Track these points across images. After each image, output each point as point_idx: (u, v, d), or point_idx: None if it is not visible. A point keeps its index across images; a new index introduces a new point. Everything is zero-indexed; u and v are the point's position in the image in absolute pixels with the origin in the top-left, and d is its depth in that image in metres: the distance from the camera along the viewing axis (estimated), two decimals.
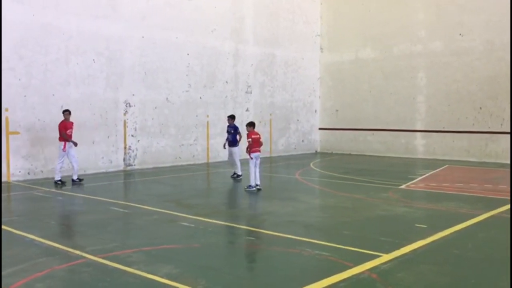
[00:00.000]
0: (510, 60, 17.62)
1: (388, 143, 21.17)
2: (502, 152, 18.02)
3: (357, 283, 5.26)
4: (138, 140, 16.10)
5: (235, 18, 19.17)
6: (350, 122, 22.32)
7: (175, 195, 11.43)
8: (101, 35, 14.88)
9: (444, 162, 18.25)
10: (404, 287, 5.19)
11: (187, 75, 17.44)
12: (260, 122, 19.49)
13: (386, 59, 21.07)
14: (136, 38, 15.80)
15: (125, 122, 15.68)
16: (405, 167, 16.99)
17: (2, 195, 11.16)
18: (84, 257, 6.15)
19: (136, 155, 16.05)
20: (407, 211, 9.26)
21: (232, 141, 13.54)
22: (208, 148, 18.29)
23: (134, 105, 15.90)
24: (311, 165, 17.73)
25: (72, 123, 12.72)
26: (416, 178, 13.97)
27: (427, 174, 14.84)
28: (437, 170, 15.96)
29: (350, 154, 21.84)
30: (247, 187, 11.71)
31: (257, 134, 11.91)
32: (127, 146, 15.80)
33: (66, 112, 12.60)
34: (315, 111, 23.32)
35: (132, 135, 15.93)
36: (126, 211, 9.35)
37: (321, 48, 23.23)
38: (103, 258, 6.10)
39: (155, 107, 16.52)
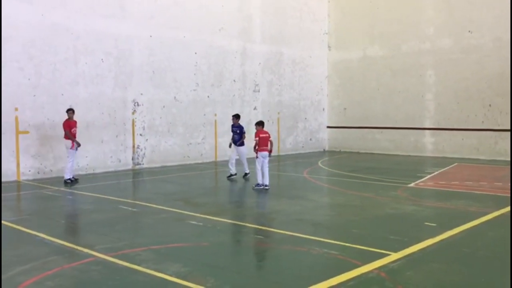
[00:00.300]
0: None
1: (396, 141, 21.07)
2: None
3: (366, 282, 5.24)
4: (147, 139, 16.16)
5: (242, 16, 19.16)
6: (359, 120, 22.23)
7: (183, 193, 11.46)
8: (109, 35, 14.95)
9: (453, 160, 18.13)
10: (413, 285, 5.16)
11: (195, 74, 17.47)
12: (268, 120, 19.45)
13: (394, 57, 20.96)
14: (144, 38, 15.85)
15: (133, 121, 15.75)
16: (414, 165, 16.90)
17: (12, 194, 11.27)
18: (94, 256, 6.19)
19: (144, 154, 16.11)
20: (416, 209, 9.22)
21: (238, 141, 13.48)
22: (216, 147, 18.32)
23: (142, 104, 15.95)
24: (319, 163, 17.69)
25: (75, 122, 12.75)
26: (425, 176, 13.89)
27: (436, 172, 14.75)
28: (446, 168, 15.86)
29: (358, 152, 21.77)
30: (255, 186, 11.71)
31: (265, 133, 11.83)
32: (136, 145, 15.87)
33: (70, 111, 12.63)
34: (323, 109, 23.27)
35: (141, 134, 15.99)
36: (135, 209, 9.39)
37: (329, 46, 23.16)
38: (113, 256, 6.13)
39: (163, 106, 16.57)
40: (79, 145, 12.58)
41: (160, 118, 16.52)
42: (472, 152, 18.86)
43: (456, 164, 16.97)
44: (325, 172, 15.67)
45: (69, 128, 12.45)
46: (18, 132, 13.09)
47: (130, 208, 9.48)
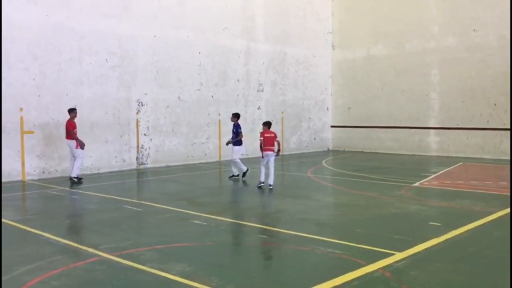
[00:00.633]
0: None
1: (401, 141, 21.02)
2: None
3: (371, 282, 5.23)
4: (151, 139, 16.19)
5: (246, 16, 19.16)
6: (363, 120, 22.20)
7: (187, 193, 11.47)
8: (113, 35, 14.98)
9: (458, 159, 18.07)
10: (418, 285, 5.15)
11: (198, 73, 17.49)
12: (272, 120, 19.43)
13: (398, 56, 20.91)
14: (148, 37, 15.88)
15: (137, 121, 15.78)
16: (419, 165, 16.85)
17: (17, 194, 11.33)
18: (98, 255, 6.20)
19: (148, 153, 16.14)
20: (421, 209, 9.19)
21: (234, 140, 13.42)
22: (220, 147, 18.32)
23: (147, 104, 15.98)
24: (323, 163, 17.67)
25: (75, 123, 12.64)
26: (429, 175, 13.85)
27: (440, 172, 14.70)
28: (451, 167, 15.81)
29: (362, 152, 21.73)
30: (258, 185, 11.75)
31: (271, 133, 11.86)
32: (140, 145, 15.90)
33: (73, 112, 12.64)
34: (327, 108, 23.24)
35: (145, 134, 16.02)
36: (139, 209, 9.41)
37: (333, 46, 23.12)
38: (117, 256, 6.15)
39: (167, 106, 16.59)
40: (83, 145, 12.58)
41: (164, 118, 16.54)
42: (477, 151, 18.79)
43: (461, 163, 16.92)
44: (329, 171, 15.65)
45: (73, 128, 12.46)
46: (23, 132, 13.14)
47: (134, 208, 9.50)
